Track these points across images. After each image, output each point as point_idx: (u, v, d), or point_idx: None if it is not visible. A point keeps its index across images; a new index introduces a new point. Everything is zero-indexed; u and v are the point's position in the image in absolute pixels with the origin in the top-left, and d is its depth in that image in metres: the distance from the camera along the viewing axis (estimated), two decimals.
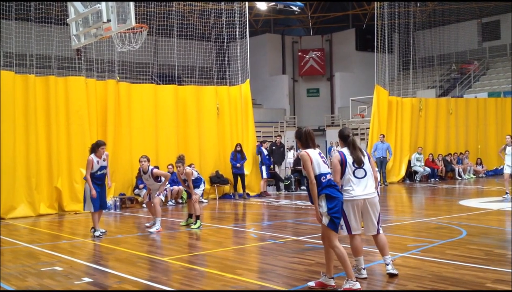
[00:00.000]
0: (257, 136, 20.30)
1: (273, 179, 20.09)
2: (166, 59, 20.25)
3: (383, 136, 21.18)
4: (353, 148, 6.58)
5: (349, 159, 6.52)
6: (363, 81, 34.83)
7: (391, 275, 6.61)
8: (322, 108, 38.78)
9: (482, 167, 24.65)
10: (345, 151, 6.61)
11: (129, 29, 12.77)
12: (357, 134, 30.43)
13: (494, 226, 10.86)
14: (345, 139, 6.69)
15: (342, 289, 6.04)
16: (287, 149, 25.94)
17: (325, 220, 6.06)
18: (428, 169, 22.77)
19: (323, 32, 41.20)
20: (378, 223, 6.69)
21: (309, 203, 15.90)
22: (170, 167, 15.79)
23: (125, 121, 16.37)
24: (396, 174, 22.48)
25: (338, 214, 6.13)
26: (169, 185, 15.25)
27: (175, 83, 18.72)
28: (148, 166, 11.33)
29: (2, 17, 15.32)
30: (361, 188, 6.49)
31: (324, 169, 6.16)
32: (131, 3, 9.96)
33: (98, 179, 10.73)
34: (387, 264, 6.68)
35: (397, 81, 26.70)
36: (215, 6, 20.12)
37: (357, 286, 6.01)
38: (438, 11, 32.04)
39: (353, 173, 6.50)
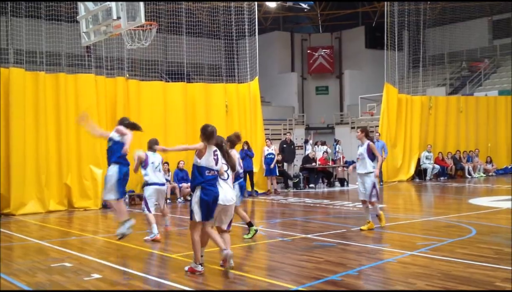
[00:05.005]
0: (265, 134, 20.25)
1: (282, 176, 20.05)
2: (175, 57, 20.25)
3: (379, 134, 21.00)
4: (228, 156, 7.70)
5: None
6: (372, 79, 34.67)
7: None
8: (331, 106, 38.68)
9: (492, 165, 24.49)
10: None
11: (138, 27, 12.79)
12: None
13: (504, 224, 10.79)
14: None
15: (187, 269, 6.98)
16: (297, 146, 25.75)
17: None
18: (437, 167, 22.68)
19: (333, 29, 41.05)
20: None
21: (318, 201, 15.93)
22: (182, 163, 15.76)
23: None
24: (405, 172, 22.40)
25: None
26: (174, 183, 15.12)
27: (184, 81, 18.72)
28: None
29: (12, 14, 15.41)
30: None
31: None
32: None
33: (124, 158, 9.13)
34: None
35: (407, 79, 26.57)
36: (224, 4, 20.11)
37: (200, 268, 6.97)
38: (449, 8, 31.78)
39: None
